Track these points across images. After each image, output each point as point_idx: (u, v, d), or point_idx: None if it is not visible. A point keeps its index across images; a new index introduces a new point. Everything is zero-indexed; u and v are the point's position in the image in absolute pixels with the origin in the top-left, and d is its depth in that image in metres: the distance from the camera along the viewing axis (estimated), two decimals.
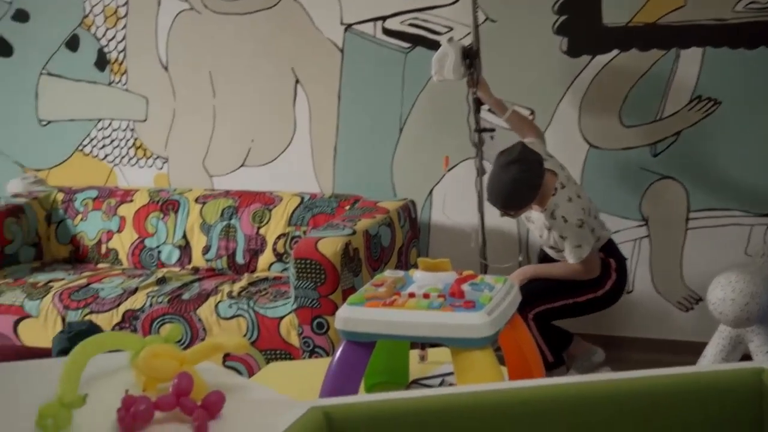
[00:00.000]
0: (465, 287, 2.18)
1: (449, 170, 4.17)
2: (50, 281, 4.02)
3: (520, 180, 3.35)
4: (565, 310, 3.58)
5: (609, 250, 3.61)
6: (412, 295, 2.16)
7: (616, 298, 3.61)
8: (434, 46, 3.95)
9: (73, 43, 4.64)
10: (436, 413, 1.79)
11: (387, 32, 4.22)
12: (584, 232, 3.44)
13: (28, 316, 3.87)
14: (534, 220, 3.60)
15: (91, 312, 3.80)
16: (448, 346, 2.15)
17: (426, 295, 2.15)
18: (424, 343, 2.66)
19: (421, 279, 2.27)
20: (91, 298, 3.86)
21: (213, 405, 1.72)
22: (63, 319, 3.83)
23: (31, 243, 4.42)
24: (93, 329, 2.76)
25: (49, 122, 4.78)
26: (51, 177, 4.83)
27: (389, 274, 2.36)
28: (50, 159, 4.83)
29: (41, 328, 3.85)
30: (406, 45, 4.21)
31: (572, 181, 3.56)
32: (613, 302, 3.62)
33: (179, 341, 3.49)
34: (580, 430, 1.76)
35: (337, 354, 2.16)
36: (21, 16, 4.69)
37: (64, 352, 2.67)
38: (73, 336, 2.70)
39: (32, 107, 4.79)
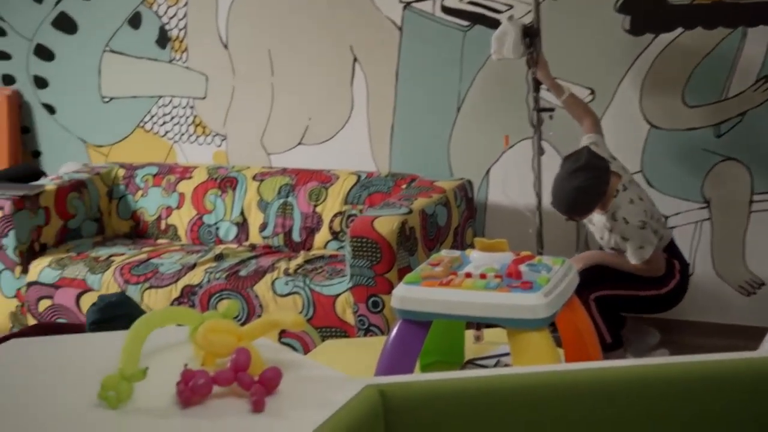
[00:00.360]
0: (522, 268, 2.17)
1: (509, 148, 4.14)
2: (111, 256, 4.09)
3: (586, 188, 3.34)
4: (626, 300, 3.54)
5: (672, 251, 3.58)
6: (468, 275, 2.15)
7: (677, 299, 3.58)
8: (494, 24, 3.92)
9: (135, 21, 4.69)
10: (492, 394, 1.79)
11: (446, 10, 4.19)
12: (646, 234, 3.41)
13: (90, 290, 3.94)
14: (595, 222, 3.57)
15: (151, 287, 3.86)
16: (504, 326, 2.14)
17: (483, 276, 2.14)
18: (479, 323, 2.65)
19: (477, 259, 2.26)
20: (151, 273, 3.92)
21: (270, 381, 1.73)
22: (123, 292, 3.89)
23: (93, 218, 4.50)
24: (124, 301, 2.80)
25: (111, 99, 4.85)
26: (112, 153, 4.91)
27: (446, 253, 2.35)
28: (112, 135, 4.90)
29: None
30: (465, 23, 4.18)
31: (634, 183, 3.53)
32: (675, 304, 3.59)
33: (236, 317, 3.53)
34: (636, 413, 1.74)
35: (393, 333, 2.16)
36: None
37: (96, 323, 2.70)
38: (104, 307, 2.74)
39: (95, 84, 4.86)
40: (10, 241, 4.02)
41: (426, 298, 2.09)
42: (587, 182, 3.32)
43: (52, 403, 1.74)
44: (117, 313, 2.69)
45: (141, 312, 2.69)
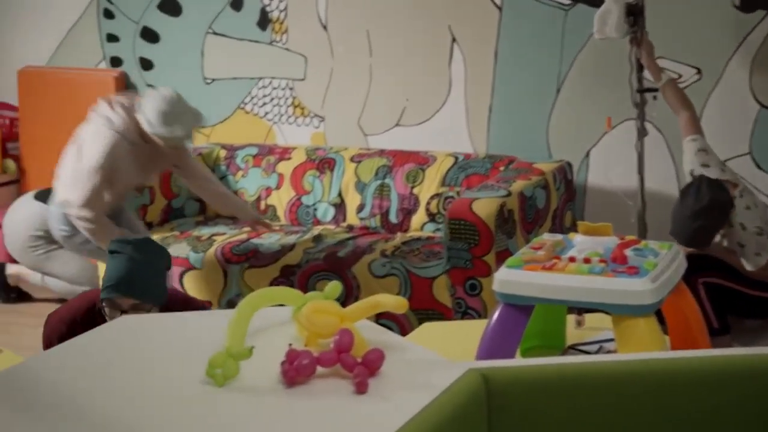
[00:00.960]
0: (628, 252, 2.12)
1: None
2: (213, 235, 4.17)
3: (710, 227, 3.31)
4: (734, 295, 3.44)
5: None
6: (572, 259, 2.12)
7: None
8: (597, 2, 3.83)
9: (237, 3, 4.75)
10: (597, 380, 1.76)
11: None
12: (763, 240, 3.33)
13: (192, 268, 4.03)
14: None
15: (251, 266, 3.93)
16: (609, 312, 2.10)
17: (587, 260, 2.10)
18: (580, 308, 2.62)
19: (581, 243, 2.22)
20: (251, 252, 3.99)
21: (373, 362, 1.74)
22: (225, 273, 3.97)
23: (195, 197, 4.59)
24: (147, 242, 2.87)
25: (213, 80, 4.94)
26: (214, 134, 4.99)
27: (548, 237, 2.32)
28: (213, 116, 4.98)
29: (204, 280, 4.01)
30: (566, 2, 4.10)
31: (748, 190, 3.44)
32: None
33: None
34: (744, 401, 1.70)
35: (495, 316, 2.15)
36: None
37: (111, 252, 2.74)
38: (122, 242, 2.77)
39: (198, 66, 4.95)
40: None
41: (529, 282, 2.07)
42: (712, 221, 3.29)
43: (161, 379, 1.78)
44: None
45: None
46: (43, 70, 5.26)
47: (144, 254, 2.69)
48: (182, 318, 2.14)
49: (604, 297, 2.01)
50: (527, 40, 4.21)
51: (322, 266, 3.85)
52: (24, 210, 4.46)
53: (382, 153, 4.42)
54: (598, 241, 2.21)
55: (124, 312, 2.60)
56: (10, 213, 4.55)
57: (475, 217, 3.50)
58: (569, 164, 4.16)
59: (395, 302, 1.90)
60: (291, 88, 4.76)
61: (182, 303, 2.91)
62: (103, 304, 2.69)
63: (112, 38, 5.12)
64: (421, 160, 4.30)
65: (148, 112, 3.66)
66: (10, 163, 5.37)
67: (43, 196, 4.52)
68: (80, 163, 3.71)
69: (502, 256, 3.58)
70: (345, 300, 3.76)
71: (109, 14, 5.09)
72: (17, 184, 5.37)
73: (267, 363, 1.77)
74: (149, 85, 5.07)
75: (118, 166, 3.68)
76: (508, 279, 2.10)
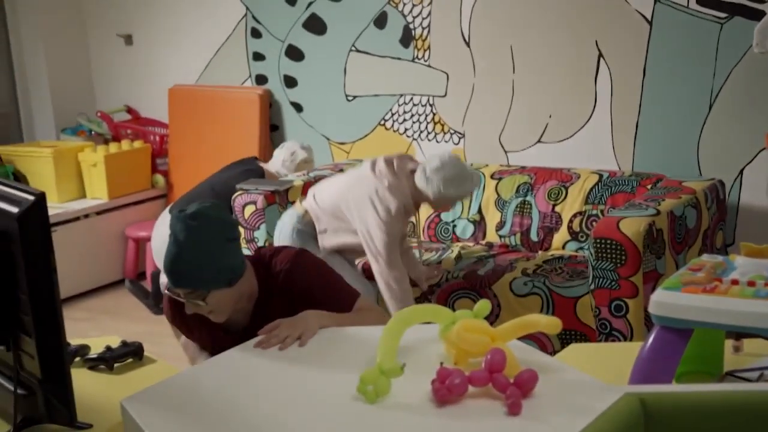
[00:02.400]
0: None
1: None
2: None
3: None
4: None
5: None
6: (735, 281, 2.01)
7: None
8: (755, 15, 3.68)
9: (381, 21, 4.80)
10: (758, 409, 1.67)
11: (702, 2, 3.97)
12: None
13: None
14: None
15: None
16: None
17: (751, 283, 1.99)
18: (738, 333, 2.49)
19: (744, 265, 2.11)
20: None
21: (526, 383, 1.70)
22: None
23: None
24: (197, 215, 2.27)
25: (354, 97, 4.99)
26: (354, 150, 5.05)
27: (707, 258, 2.21)
28: (354, 133, 5.04)
29: None
30: (722, 15, 3.95)
31: None
32: None
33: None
34: None
35: (650, 340, 2.06)
36: None
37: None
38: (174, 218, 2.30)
39: (341, 83, 5.01)
40: (261, 234, 4.22)
41: (688, 305, 1.97)
42: None
43: (312, 393, 1.79)
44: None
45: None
46: (192, 88, 5.45)
47: (192, 232, 2.21)
48: (334, 332, 2.14)
49: None
50: (679, 55, 4.07)
51: (462, 284, 3.82)
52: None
53: (523, 170, 4.36)
54: (763, 263, 2.09)
55: (186, 299, 2.26)
56: (158, 226, 4.72)
57: (623, 236, 3.40)
58: (721, 182, 4.00)
59: (548, 322, 1.85)
60: (432, 105, 4.76)
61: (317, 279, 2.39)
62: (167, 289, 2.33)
63: (258, 57, 5.25)
64: (564, 178, 4.22)
65: (437, 178, 3.51)
66: (159, 178, 5.57)
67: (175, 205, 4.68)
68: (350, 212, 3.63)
69: (650, 277, 3.48)
70: (486, 319, 3.71)
71: (256, 33, 5.23)
72: (164, 198, 5.58)
73: (417, 381, 1.76)
74: (292, 103, 5.18)
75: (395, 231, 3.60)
76: (665, 301, 2.01)
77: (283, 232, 3.83)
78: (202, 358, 2.51)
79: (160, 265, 4.67)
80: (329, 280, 2.41)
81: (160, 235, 4.65)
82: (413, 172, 3.58)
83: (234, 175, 4.56)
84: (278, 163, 4.64)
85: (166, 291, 2.35)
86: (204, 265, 2.21)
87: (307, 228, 3.76)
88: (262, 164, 4.64)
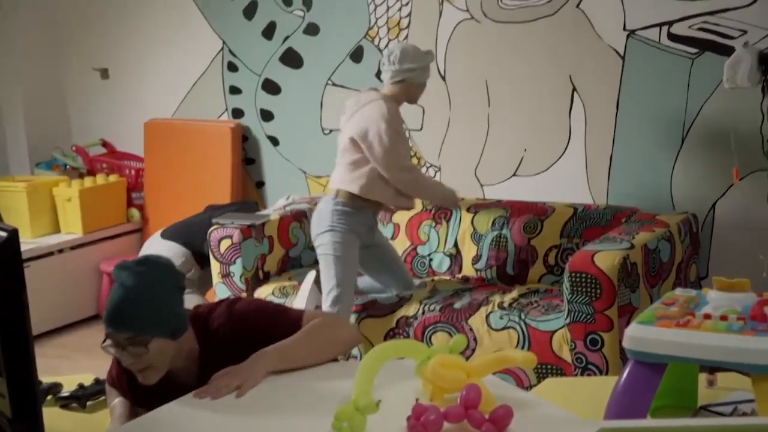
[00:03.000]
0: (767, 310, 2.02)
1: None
2: None
3: None
4: None
5: None
6: (708, 316, 2.03)
7: None
8: (725, 51, 3.74)
9: (357, 55, 4.82)
10: None
11: (673, 37, 4.03)
12: None
13: None
14: None
15: (368, 316, 3.92)
16: (748, 372, 2.00)
17: (723, 317, 2.01)
18: (712, 367, 2.50)
19: (716, 299, 2.13)
20: (369, 303, 3.98)
21: (501, 419, 1.70)
22: None
23: (312, 247, 4.61)
24: (144, 263, 2.24)
25: (331, 131, 5.00)
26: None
27: (680, 292, 2.23)
28: (331, 166, 5.01)
29: None
30: (693, 50, 4.01)
31: None
32: None
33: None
34: None
35: (625, 374, 2.07)
36: (312, 29, 4.94)
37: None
38: (118, 267, 2.23)
39: (317, 116, 5.03)
40: (237, 269, 4.21)
41: (662, 340, 1.99)
42: None
43: (287, 430, 1.78)
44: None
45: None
46: (168, 121, 5.45)
47: (140, 276, 2.17)
48: (307, 369, 2.13)
49: (745, 357, 1.91)
50: (651, 89, 4.12)
51: (439, 318, 3.81)
52: (157, 249, 4.57)
53: (499, 203, 4.38)
54: (735, 297, 2.11)
55: (124, 348, 2.17)
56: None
57: (597, 269, 3.42)
58: (694, 216, 4.03)
59: (524, 358, 1.85)
60: (408, 138, 4.77)
61: (259, 316, 2.34)
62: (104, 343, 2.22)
63: (234, 90, 5.26)
64: (540, 211, 4.24)
65: (393, 58, 3.89)
66: (135, 212, 5.55)
67: (170, 234, 4.69)
68: (365, 144, 3.85)
69: (625, 311, 3.49)
70: (462, 353, 3.71)
71: (233, 67, 5.24)
72: (140, 233, 5.55)
73: (393, 417, 1.75)
74: (269, 137, 5.18)
75: (399, 127, 3.89)
76: (640, 336, 2.02)
77: (322, 218, 3.92)
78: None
79: None
80: (268, 312, 2.34)
81: None
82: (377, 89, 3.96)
83: (232, 209, 4.61)
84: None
85: (102, 345, 2.21)
86: (151, 308, 2.15)
87: (346, 206, 3.89)
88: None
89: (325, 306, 3.81)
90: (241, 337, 2.25)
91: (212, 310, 2.33)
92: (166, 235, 4.70)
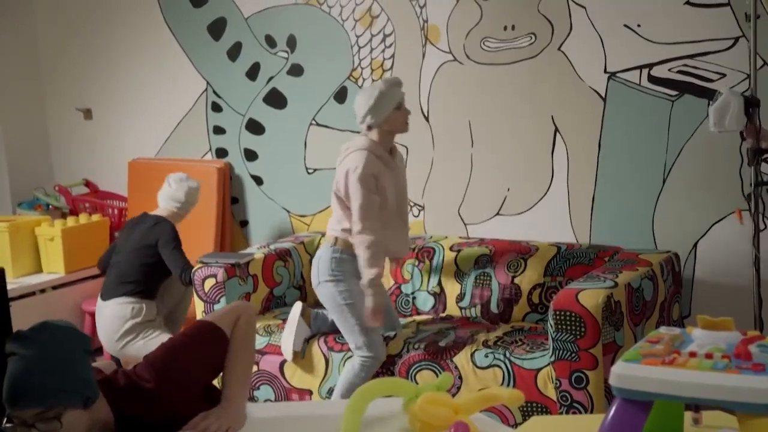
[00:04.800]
0: (752, 348, 2.03)
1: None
2: None
3: None
4: None
5: None
6: (693, 354, 2.04)
7: None
8: (705, 93, 3.80)
9: (341, 95, 4.86)
10: None
11: (653, 80, 4.10)
12: None
13: (295, 356, 4.03)
14: None
15: (354, 355, 3.91)
16: (733, 411, 2.00)
17: (709, 355, 2.02)
18: (697, 405, 2.51)
19: (701, 337, 2.14)
20: None
21: None
22: (326, 361, 3.97)
23: (296, 285, 4.63)
24: (43, 329, 2.08)
25: (315, 170, 5.03)
26: (314, 222, 5.06)
27: (665, 330, 2.24)
28: (314, 205, 5.07)
29: (306, 369, 4.01)
30: (673, 93, 4.07)
31: None
32: None
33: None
34: None
35: (611, 412, 2.07)
36: (296, 70, 4.99)
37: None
38: (12, 338, 2.05)
39: (301, 156, 5.05)
40: (220, 307, 4.19)
41: (648, 377, 1.99)
42: None
43: None
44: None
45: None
46: (152, 161, 5.46)
47: (42, 344, 1.99)
48: (296, 407, 2.13)
49: (730, 395, 1.92)
50: (632, 130, 4.18)
51: (423, 356, 3.81)
52: (104, 314, 4.46)
53: (482, 242, 4.41)
54: (720, 336, 2.12)
55: (32, 427, 1.97)
56: (98, 320, 4.55)
57: (582, 308, 3.44)
58: (677, 255, 4.07)
59: (511, 395, 1.86)
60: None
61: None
62: (6, 425, 2.01)
63: (218, 130, 5.29)
64: (523, 250, 4.26)
65: (362, 108, 3.83)
66: None
67: (109, 292, 4.49)
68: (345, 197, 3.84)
69: (609, 349, 3.50)
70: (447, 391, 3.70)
71: (217, 108, 5.27)
72: None
73: None
74: (253, 176, 5.20)
75: (378, 177, 3.80)
76: (626, 373, 2.02)
77: (322, 267, 3.90)
78: None
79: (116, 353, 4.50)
80: (182, 345, 2.29)
81: (102, 329, 4.48)
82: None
83: (144, 231, 4.46)
84: (165, 198, 4.61)
85: (3, 428, 2.00)
86: (60, 376, 1.98)
87: (344, 253, 3.86)
88: (154, 213, 4.61)
89: (359, 354, 3.81)
90: (172, 391, 2.17)
91: (128, 377, 2.20)
92: (106, 297, 4.47)
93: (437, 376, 3.72)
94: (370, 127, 3.83)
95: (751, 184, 3.54)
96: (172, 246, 4.40)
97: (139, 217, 4.64)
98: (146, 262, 4.40)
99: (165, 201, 4.62)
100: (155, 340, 4.27)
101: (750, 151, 3.53)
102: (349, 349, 3.93)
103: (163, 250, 4.38)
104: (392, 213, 3.90)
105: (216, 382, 2.38)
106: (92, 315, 5.20)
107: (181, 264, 4.35)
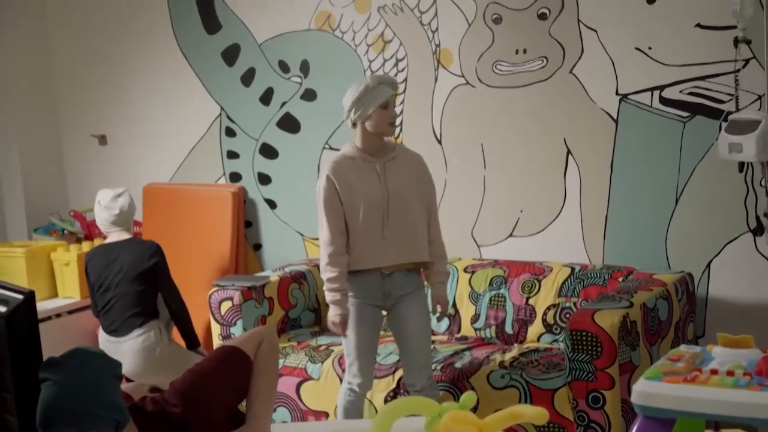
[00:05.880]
0: None
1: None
2: (330, 345, 4.20)
3: None
4: None
5: None
6: (714, 371, 2.07)
7: None
8: (716, 114, 3.84)
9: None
10: None
11: (664, 101, 4.14)
12: None
13: (310, 378, 4.06)
14: None
15: None
16: (755, 428, 2.03)
17: (730, 373, 2.05)
18: (717, 423, 2.53)
19: (721, 355, 2.17)
20: None
21: None
22: (342, 382, 3.98)
23: (311, 308, 4.66)
24: (74, 355, 2.11)
25: None
26: None
27: (685, 348, 2.27)
28: None
29: (321, 391, 4.03)
30: (684, 114, 4.11)
31: None
32: None
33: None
34: None
35: (634, 429, 2.09)
36: (309, 95, 5.04)
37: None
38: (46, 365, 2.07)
39: (314, 180, 5.06)
40: (237, 330, 4.22)
41: (670, 395, 2.02)
42: None
43: None
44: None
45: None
46: (166, 186, 5.50)
47: (73, 369, 2.05)
48: (320, 427, 2.15)
49: (752, 411, 1.95)
50: (644, 151, 4.21)
51: (439, 377, 3.83)
52: (129, 349, 4.39)
53: (495, 263, 4.43)
54: (740, 353, 2.15)
55: None
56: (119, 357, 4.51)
57: (598, 328, 3.46)
58: (690, 275, 4.09)
59: (535, 413, 1.88)
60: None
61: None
62: None
63: (232, 155, 5.33)
64: (537, 271, 4.29)
65: (347, 101, 3.64)
66: None
67: (119, 329, 4.43)
68: None
69: (626, 369, 3.52)
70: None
71: (230, 132, 5.32)
72: None
73: None
74: (266, 200, 5.24)
75: (346, 182, 3.59)
76: (648, 391, 2.05)
77: None
78: None
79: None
80: (216, 370, 2.34)
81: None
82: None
83: (132, 259, 4.39)
84: (111, 219, 4.56)
85: None
86: (91, 401, 2.03)
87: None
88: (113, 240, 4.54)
89: (347, 376, 3.71)
90: (203, 410, 2.24)
91: (157, 402, 2.27)
92: (120, 333, 4.39)
93: (454, 397, 3.75)
94: (354, 124, 3.64)
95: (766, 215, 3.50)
96: (167, 275, 4.41)
97: (103, 248, 4.55)
98: (142, 288, 4.36)
99: (110, 226, 4.56)
100: (187, 359, 4.21)
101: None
102: None
103: (161, 279, 4.37)
104: (370, 223, 3.59)
105: (241, 406, 2.42)
106: None
107: (177, 293, 4.38)
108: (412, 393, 3.65)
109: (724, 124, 3.72)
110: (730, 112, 3.89)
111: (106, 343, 4.46)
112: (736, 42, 3.45)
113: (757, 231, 3.55)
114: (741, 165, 3.51)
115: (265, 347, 2.39)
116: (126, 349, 4.33)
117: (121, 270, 4.39)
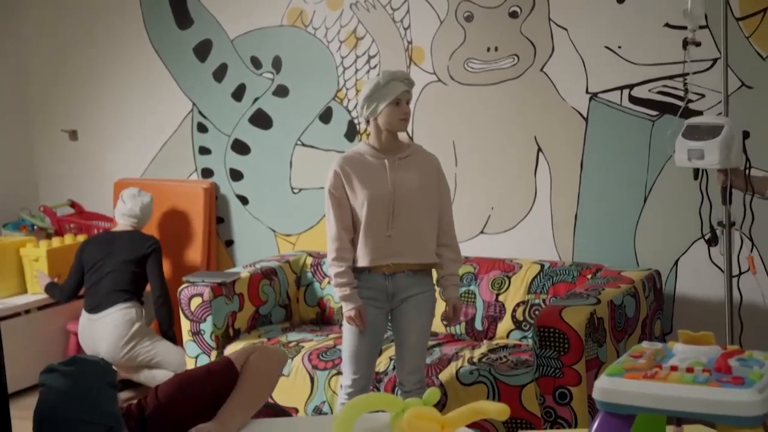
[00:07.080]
0: (732, 362, 2.07)
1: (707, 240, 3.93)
2: (300, 341, 4.20)
3: None
4: None
5: None
6: (674, 368, 2.08)
7: None
8: (683, 113, 3.85)
9: (326, 116, 4.91)
10: None
11: (634, 100, 4.17)
12: None
13: (280, 375, 4.05)
14: None
15: (338, 373, 3.94)
16: (713, 424, 2.05)
17: (690, 369, 2.06)
18: (679, 418, 2.55)
19: (682, 352, 2.18)
20: (339, 359, 4.00)
21: None
22: (311, 379, 3.99)
23: (281, 304, 4.66)
24: (73, 362, 2.18)
25: (300, 190, 5.06)
26: (300, 242, 5.09)
27: (647, 345, 2.28)
28: (300, 225, 5.10)
29: (291, 387, 4.03)
30: (653, 113, 4.14)
31: None
32: None
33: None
34: None
35: (595, 425, 2.11)
36: (281, 91, 5.03)
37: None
38: (46, 371, 2.17)
39: (286, 176, 5.09)
40: (207, 326, 4.22)
41: (630, 391, 2.03)
42: None
43: None
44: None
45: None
46: (138, 181, 5.47)
47: (70, 377, 2.09)
48: (284, 423, 2.15)
49: (711, 408, 1.96)
50: (614, 150, 4.25)
51: None
52: (104, 324, 4.65)
53: (466, 260, 4.44)
54: (700, 350, 2.16)
55: None
56: (83, 339, 4.75)
57: (565, 324, 3.48)
58: (658, 273, 4.12)
59: (497, 409, 1.90)
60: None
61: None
62: None
63: (204, 151, 5.32)
64: (507, 268, 4.31)
65: (360, 98, 3.53)
66: None
67: (101, 304, 4.70)
68: None
69: (593, 365, 3.55)
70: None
71: (202, 128, 5.30)
72: None
73: None
74: (238, 196, 5.23)
75: (352, 176, 3.51)
76: (609, 387, 2.06)
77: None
78: None
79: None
80: (198, 377, 2.39)
81: (96, 344, 4.63)
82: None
83: (132, 244, 4.75)
84: (121, 215, 4.88)
85: None
86: (86, 408, 2.06)
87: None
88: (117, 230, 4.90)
89: (342, 380, 3.65)
90: (181, 415, 2.25)
91: (142, 403, 2.31)
92: (101, 308, 4.68)
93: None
94: (367, 121, 3.55)
95: (723, 224, 3.44)
96: (160, 266, 4.74)
97: (105, 235, 4.92)
98: (135, 271, 4.70)
99: (122, 218, 4.88)
100: (160, 342, 4.65)
101: (727, 189, 3.36)
102: (333, 366, 3.95)
103: (153, 267, 4.70)
104: (375, 220, 3.50)
105: None
106: (77, 335, 5.21)
107: (164, 288, 4.69)
108: (402, 393, 3.64)
109: (677, 128, 3.58)
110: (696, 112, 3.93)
111: (86, 322, 4.71)
112: (685, 44, 3.43)
113: (711, 241, 3.50)
114: (696, 172, 3.46)
115: (253, 360, 2.41)
116: (106, 323, 4.60)
117: (119, 253, 4.72)
